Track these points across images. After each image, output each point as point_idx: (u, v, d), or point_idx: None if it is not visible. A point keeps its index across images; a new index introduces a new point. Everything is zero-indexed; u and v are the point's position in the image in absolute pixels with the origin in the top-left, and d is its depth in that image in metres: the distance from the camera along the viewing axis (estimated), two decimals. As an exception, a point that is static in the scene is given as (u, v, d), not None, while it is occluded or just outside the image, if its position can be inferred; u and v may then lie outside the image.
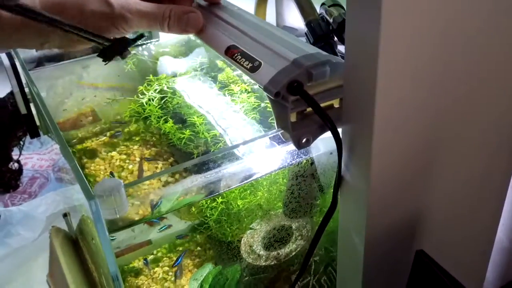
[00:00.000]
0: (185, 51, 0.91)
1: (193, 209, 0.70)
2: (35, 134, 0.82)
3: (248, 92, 0.76)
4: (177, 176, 0.59)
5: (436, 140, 0.50)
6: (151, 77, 0.83)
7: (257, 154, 0.54)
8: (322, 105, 0.48)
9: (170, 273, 0.71)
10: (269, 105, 0.68)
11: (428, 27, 0.42)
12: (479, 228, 0.62)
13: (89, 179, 0.71)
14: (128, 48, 0.60)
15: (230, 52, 0.56)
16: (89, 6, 0.54)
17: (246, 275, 0.69)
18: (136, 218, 0.52)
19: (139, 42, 0.89)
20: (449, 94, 0.47)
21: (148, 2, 0.58)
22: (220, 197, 0.66)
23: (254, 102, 0.73)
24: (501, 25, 0.47)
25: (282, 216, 0.68)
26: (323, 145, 0.56)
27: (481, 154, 0.55)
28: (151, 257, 0.73)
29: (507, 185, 0.61)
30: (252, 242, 0.68)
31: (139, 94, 0.80)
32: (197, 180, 0.51)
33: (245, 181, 0.56)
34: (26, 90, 0.77)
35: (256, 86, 0.77)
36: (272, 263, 0.68)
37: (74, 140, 0.81)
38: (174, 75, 0.86)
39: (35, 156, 1.47)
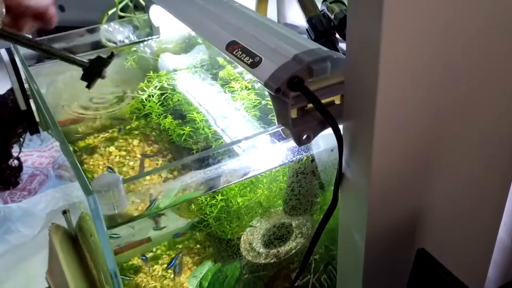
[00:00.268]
0: (186, 48, 0.91)
1: (193, 206, 0.69)
2: (34, 130, 0.81)
3: (249, 89, 0.75)
4: (175, 173, 0.59)
5: (437, 138, 0.49)
6: (151, 73, 0.83)
7: (257, 150, 0.53)
8: (323, 101, 0.48)
9: (170, 271, 0.70)
10: (269, 102, 0.68)
11: (430, 23, 0.42)
12: (481, 227, 0.62)
13: (88, 175, 0.71)
14: (105, 68, 0.62)
15: (231, 48, 0.55)
16: None
17: (245, 273, 0.69)
18: (135, 214, 0.51)
19: (138, 39, 0.89)
20: (450, 92, 0.47)
21: None
22: (219, 195, 0.66)
23: (255, 99, 0.73)
24: (501, 25, 0.46)
25: (282, 213, 0.67)
26: (324, 142, 0.56)
27: (482, 153, 0.55)
28: (150, 254, 0.73)
29: (509, 184, 0.60)
30: (252, 239, 0.68)
31: (139, 91, 0.80)
32: (196, 176, 0.51)
33: (245, 177, 0.55)
34: (26, 86, 0.76)
35: (257, 84, 0.76)
36: (272, 261, 0.68)
37: (74, 136, 0.81)
38: (175, 72, 0.85)
39: (35, 153, 1.47)
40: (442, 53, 0.44)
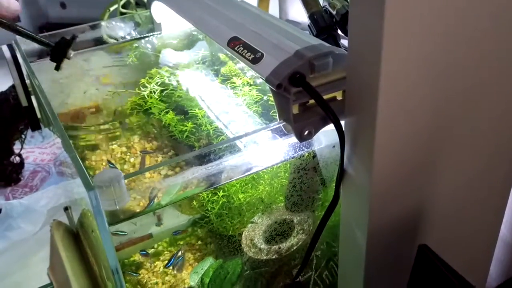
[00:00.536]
0: (188, 44, 0.91)
1: (194, 203, 0.69)
2: (36, 126, 0.81)
3: (251, 85, 0.75)
4: (177, 169, 0.59)
5: (438, 134, 0.49)
6: (153, 70, 0.83)
7: (258, 146, 0.53)
8: (324, 97, 0.48)
9: (171, 267, 0.71)
10: (271, 98, 0.68)
11: (432, 18, 0.41)
12: (483, 223, 0.62)
13: (89, 172, 0.71)
14: (70, 49, 0.67)
15: (232, 44, 0.55)
16: None
17: (247, 269, 0.69)
18: (137, 210, 0.51)
19: (140, 35, 0.89)
20: (452, 89, 0.47)
21: None
22: (221, 191, 0.66)
23: (257, 95, 0.73)
24: (504, 24, 0.46)
25: (283, 210, 0.67)
26: (326, 138, 0.56)
27: (484, 150, 0.54)
28: (151, 250, 0.73)
29: (511, 181, 0.60)
30: (253, 236, 0.68)
31: (141, 87, 0.80)
32: (198, 172, 0.51)
33: (246, 173, 0.55)
34: (27, 82, 0.76)
35: (259, 80, 0.76)
36: (273, 257, 0.68)
37: (76, 132, 0.81)
38: (176, 68, 0.85)
39: (36, 150, 1.47)
40: (444, 49, 0.44)
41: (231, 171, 0.53)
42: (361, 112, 0.46)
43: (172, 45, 0.90)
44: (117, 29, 0.91)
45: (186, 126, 0.72)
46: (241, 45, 0.54)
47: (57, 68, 0.68)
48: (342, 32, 0.68)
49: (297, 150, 0.55)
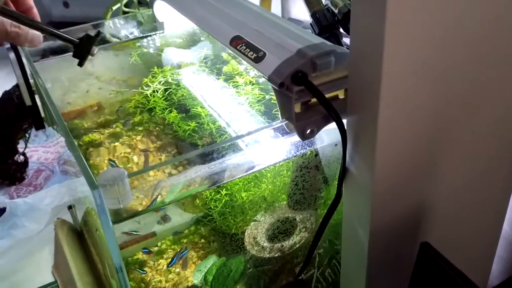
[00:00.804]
0: (190, 43, 0.91)
1: (197, 201, 0.70)
2: (40, 125, 0.82)
3: (253, 84, 0.75)
4: (180, 168, 0.59)
5: (441, 132, 0.49)
6: (155, 69, 0.83)
7: (261, 145, 0.53)
8: (327, 95, 0.48)
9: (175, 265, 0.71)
10: (273, 97, 0.68)
11: (434, 16, 0.42)
12: (485, 221, 0.62)
13: (93, 171, 0.71)
14: (93, 46, 0.66)
15: (235, 43, 0.56)
16: None
17: (250, 267, 0.69)
18: (140, 209, 0.52)
19: (142, 34, 0.89)
20: (454, 88, 0.47)
21: None
22: (224, 189, 0.66)
23: (259, 94, 0.73)
24: (506, 25, 0.46)
25: (286, 208, 0.67)
26: (328, 136, 0.56)
27: (486, 149, 0.54)
28: (155, 249, 0.73)
29: (514, 178, 0.60)
30: (256, 234, 0.68)
31: (144, 86, 0.80)
32: (200, 171, 0.51)
33: (249, 172, 0.55)
34: (31, 81, 0.77)
35: (261, 79, 0.76)
36: (276, 255, 0.68)
37: (80, 131, 0.81)
38: (179, 67, 0.86)
39: (40, 149, 1.48)
40: (446, 48, 0.44)
41: (234, 169, 0.53)
42: (363, 111, 0.46)
43: (175, 44, 0.90)
44: (120, 28, 0.91)
45: (189, 125, 0.72)
46: (243, 44, 0.54)
47: (80, 64, 0.68)
48: (344, 31, 0.68)
49: (300, 148, 0.56)
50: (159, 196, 0.51)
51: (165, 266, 0.71)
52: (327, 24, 0.67)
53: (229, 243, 0.69)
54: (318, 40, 0.51)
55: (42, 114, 0.80)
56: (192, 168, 0.51)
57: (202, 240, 0.73)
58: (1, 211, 1.21)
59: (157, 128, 0.79)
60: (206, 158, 0.51)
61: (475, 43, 0.46)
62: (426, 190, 0.53)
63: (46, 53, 0.84)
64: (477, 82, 0.48)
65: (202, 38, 0.90)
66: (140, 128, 0.80)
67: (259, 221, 0.68)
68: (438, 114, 0.48)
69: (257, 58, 0.51)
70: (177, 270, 0.70)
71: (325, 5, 0.69)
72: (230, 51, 0.61)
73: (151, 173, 0.54)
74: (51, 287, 0.99)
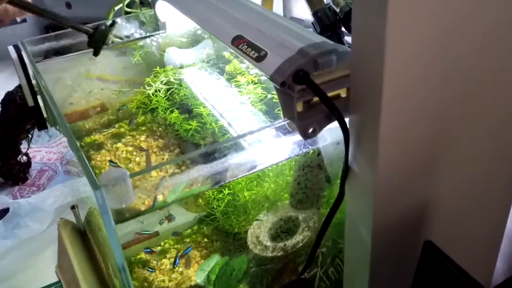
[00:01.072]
0: (192, 42, 0.91)
1: (200, 200, 0.70)
2: (42, 126, 0.82)
3: (255, 84, 0.75)
4: (183, 167, 0.59)
5: (443, 131, 0.49)
6: (158, 68, 0.83)
7: (263, 144, 0.53)
8: (329, 94, 0.48)
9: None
10: (275, 96, 0.68)
11: (435, 16, 0.41)
12: (488, 219, 0.62)
13: (95, 171, 0.71)
14: (108, 35, 0.66)
15: (237, 42, 0.55)
16: None
17: (253, 266, 0.69)
18: (143, 209, 0.52)
19: (144, 34, 0.90)
20: (457, 85, 0.47)
21: None
22: (226, 189, 0.66)
23: (261, 93, 0.73)
24: (509, 24, 0.46)
25: (288, 207, 0.68)
26: (330, 135, 0.56)
27: (489, 145, 0.54)
28: (158, 248, 0.73)
29: (517, 176, 0.60)
30: (259, 233, 0.68)
31: (146, 86, 0.80)
32: (203, 170, 0.51)
33: (251, 171, 0.55)
34: (33, 82, 0.77)
35: (263, 78, 0.76)
36: (279, 254, 0.68)
37: (82, 132, 0.81)
38: (181, 67, 0.86)
39: (43, 149, 1.48)
40: (448, 47, 0.44)
41: (236, 169, 0.53)
42: (365, 109, 0.46)
43: (177, 44, 0.90)
44: (122, 28, 0.91)
45: (191, 124, 0.72)
46: (245, 44, 0.54)
47: (95, 53, 0.69)
48: (346, 30, 0.68)
49: (302, 147, 0.56)
50: (162, 195, 0.51)
51: (168, 265, 0.71)
52: (329, 23, 0.67)
53: (232, 243, 0.69)
54: (320, 39, 0.51)
55: (45, 115, 0.80)
56: (194, 168, 0.51)
57: (205, 240, 0.73)
58: (4, 211, 1.21)
59: (159, 128, 0.79)
60: (208, 157, 0.51)
61: (477, 42, 0.45)
62: (428, 189, 0.53)
63: (49, 54, 0.85)
64: (479, 79, 0.48)
65: (205, 37, 0.90)
66: (143, 128, 0.80)
67: (262, 220, 0.68)
68: (440, 112, 0.48)
69: (259, 57, 0.51)
70: (180, 269, 0.70)
71: (327, 4, 0.69)
72: (232, 51, 0.62)
73: (154, 173, 0.54)
74: (55, 287, 0.99)
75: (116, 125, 0.82)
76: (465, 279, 0.45)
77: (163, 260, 0.72)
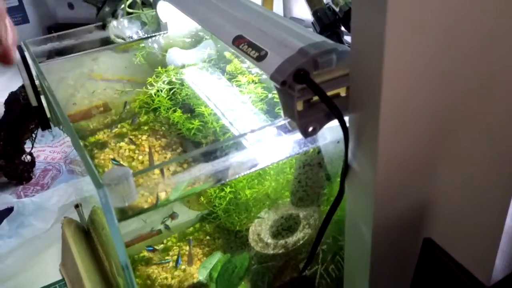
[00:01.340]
0: (194, 42, 0.91)
1: (202, 199, 0.70)
2: (46, 126, 0.83)
3: (256, 83, 0.76)
4: (185, 166, 0.60)
5: (443, 129, 0.50)
6: (159, 68, 0.84)
7: (264, 143, 0.54)
8: (328, 94, 0.48)
9: (180, 262, 0.71)
10: (276, 95, 0.68)
11: (436, 15, 0.42)
12: (487, 216, 0.62)
13: (99, 170, 0.72)
14: (118, 9, 0.66)
15: (237, 42, 0.56)
16: None
17: (254, 263, 0.69)
18: (146, 207, 0.52)
19: (146, 35, 0.90)
20: (456, 84, 0.47)
21: None
22: (228, 187, 0.67)
23: (262, 92, 0.73)
24: (510, 23, 0.46)
25: (289, 205, 0.68)
26: (330, 134, 0.56)
27: (489, 143, 0.55)
28: (161, 246, 0.74)
29: (516, 173, 0.60)
30: (260, 231, 0.69)
31: (148, 86, 0.81)
32: (205, 169, 0.52)
33: (253, 170, 0.56)
34: (37, 82, 0.77)
35: (264, 77, 0.77)
36: (280, 251, 0.69)
37: (86, 132, 0.82)
38: (183, 67, 0.86)
39: (47, 149, 1.49)
40: (448, 45, 0.44)
41: (237, 167, 0.54)
42: (365, 108, 0.47)
43: (179, 44, 0.91)
44: (124, 29, 0.92)
45: (193, 123, 0.72)
46: (245, 43, 0.55)
47: (103, 27, 0.69)
48: (346, 29, 0.68)
49: (302, 146, 0.56)
50: (164, 194, 0.52)
51: (170, 263, 0.71)
52: (329, 22, 0.67)
53: (234, 240, 0.70)
54: (320, 38, 0.52)
55: (48, 115, 0.81)
56: (196, 166, 0.52)
57: (207, 237, 0.74)
58: (8, 211, 1.22)
59: (162, 127, 0.80)
60: (210, 156, 0.52)
61: (477, 41, 0.46)
62: (428, 186, 0.53)
63: (52, 54, 0.85)
64: (480, 78, 0.48)
65: (206, 37, 0.91)
66: (146, 128, 0.80)
67: (263, 218, 0.69)
68: (440, 110, 0.48)
69: (259, 57, 0.52)
70: (183, 267, 0.71)
71: (326, 4, 0.70)
72: (233, 50, 0.62)
73: (156, 171, 0.55)
74: (59, 285, 1.00)
75: (119, 125, 0.82)
76: (465, 276, 0.45)
77: (166, 257, 0.72)
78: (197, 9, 0.68)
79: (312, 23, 0.69)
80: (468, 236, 0.62)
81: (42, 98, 0.79)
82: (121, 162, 0.74)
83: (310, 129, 0.51)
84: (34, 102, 0.79)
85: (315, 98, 0.50)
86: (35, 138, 1.34)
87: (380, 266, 0.55)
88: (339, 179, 0.53)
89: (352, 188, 0.53)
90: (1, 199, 1.26)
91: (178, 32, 0.92)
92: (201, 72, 0.84)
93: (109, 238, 0.73)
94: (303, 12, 0.97)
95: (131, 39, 0.91)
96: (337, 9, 0.67)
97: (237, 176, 0.55)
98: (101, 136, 0.81)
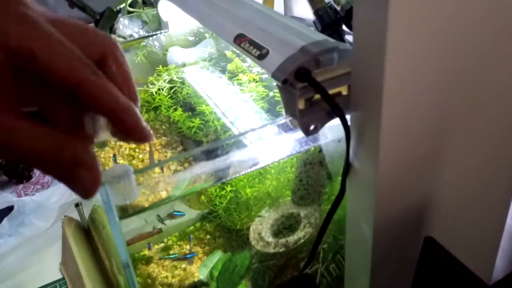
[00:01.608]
0: (195, 41, 0.92)
1: (203, 197, 0.70)
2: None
3: (257, 82, 0.76)
4: (185, 164, 0.60)
5: (444, 127, 0.50)
6: (160, 67, 0.84)
7: (265, 141, 0.54)
8: (330, 92, 0.48)
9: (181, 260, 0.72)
10: (277, 94, 0.68)
11: (437, 13, 0.42)
12: (488, 215, 0.62)
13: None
14: (114, 23, 0.68)
15: (238, 41, 0.56)
16: None
17: (255, 262, 0.69)
18: (147, 205, 0.52)
19: (147, 34, 0.90)
20: (459, 82, 0.47)
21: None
22: (229, 186, 0.67)
23: (263, 91, 0.73)
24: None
25: (290, 204, 0.68)
26: (331, 132, 0.56)
27: (490, 142, 0.55)
28: (161, 245, 0.74)
29: (517, 172, 0.60)
30: (261, 229, 0.69)
31: (149, 84, 0.81)
32: (205, 168, 0.52)
33: (253, 168, 0.56)
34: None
35: (265, 76, 0.77)
36: (281, 250, 0.69)
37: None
38: (184, 65, 0.86)
39: (47, 148, 1.49)
40: (450, 44, 0.44)
41: (238, 166, 0.54)
42: (366, 107, 0.47)
43: (180, 43, 0.91)
44: (125, 27, 0.92)
45: (194, 122, 0.72)
46: (247, 42, 0.55)
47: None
48: (347, 28, 0.68)
49: (303, 144, 0.56)
50: (165, 192, 0.52)
51: (172, 262, 0.71)
52: (330, 21, 0.67)
53: (235, 239, 0.70)
54: (321, 37, 0.51)
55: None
56: (197, 165, 0.52)
57: (208, 236, 0.74)
58: (9, 209, 1.22)
59: (163, 126, 0.80)
60: (211, 154, 0.52)
61: (480, 40, 0.46)
62: (429, 185, 0.53)
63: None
64: (481, 78, 0.48)
65: (206, 36, 0.91)
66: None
67: (264, 217, 0.69)
68: (441, 109, 0.48)
69: (261, 55, 0.52)
70: (183, 266, 0.71)
71: (328, 3, 0.70)
72: (234, 49, 0.62)
73: (157, 169, 0.55)
74: (59, 284, 1.00)
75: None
76: (466, 275, 0.45)
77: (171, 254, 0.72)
78: (198, 7, 0.68)
79: (313, 22, 0.69)
80: (469, 235, 0.62)
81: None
82: (122, 161, 0.74)
83: (312, 127, 0.51)
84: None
85: (317, 96, 0.50)
86: (35, 137, 1.34)
87: (381, 265, 0.55)
88: (340, 178, 0.53)
89: (353, 187, 0.53)
90: (1, 198, 1.26)
91: (179, 31, 0.92)
92: (202, 70, 0.84)
93: (110, 237, 0.73)
94: (304, 11, 0.97)
95: (132, 38, 0.91)
96: (338, 8, 0.67)
97: (238, 174, 0.55)
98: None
